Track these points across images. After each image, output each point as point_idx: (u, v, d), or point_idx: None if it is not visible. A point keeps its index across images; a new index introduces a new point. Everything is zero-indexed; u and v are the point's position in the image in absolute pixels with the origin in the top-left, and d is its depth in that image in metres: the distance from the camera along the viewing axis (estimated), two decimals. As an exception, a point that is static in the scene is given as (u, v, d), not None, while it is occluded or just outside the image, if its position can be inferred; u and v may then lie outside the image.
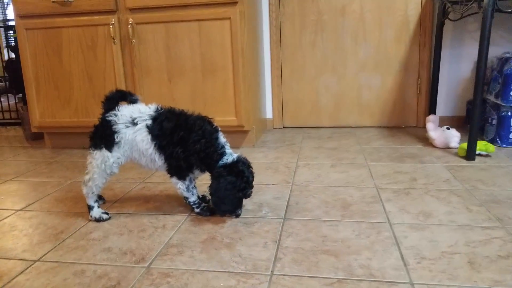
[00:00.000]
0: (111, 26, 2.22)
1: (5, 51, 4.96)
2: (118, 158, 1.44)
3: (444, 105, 2.70)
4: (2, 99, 4.09)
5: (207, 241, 1.31)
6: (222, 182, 1.36)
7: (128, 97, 1.49)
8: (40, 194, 1.79)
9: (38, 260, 1.24)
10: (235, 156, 1.42)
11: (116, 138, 1.41)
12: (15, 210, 1.63)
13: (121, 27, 2.25)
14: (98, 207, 1.51)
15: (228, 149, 1.43)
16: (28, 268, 1.19)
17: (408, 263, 1.13)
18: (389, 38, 2.68)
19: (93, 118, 2.39)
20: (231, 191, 1.37)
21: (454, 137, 2.19)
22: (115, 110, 1.43)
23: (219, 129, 1.45)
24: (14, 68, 2.91)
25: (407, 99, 2.75)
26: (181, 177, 1.45)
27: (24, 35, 2.36)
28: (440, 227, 1.32)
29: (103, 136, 1.42)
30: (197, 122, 1.41)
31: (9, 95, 3.98)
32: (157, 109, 1.44)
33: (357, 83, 2.77)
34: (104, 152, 1.42)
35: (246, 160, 1.44)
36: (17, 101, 3.45)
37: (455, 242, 1.22)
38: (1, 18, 6.31)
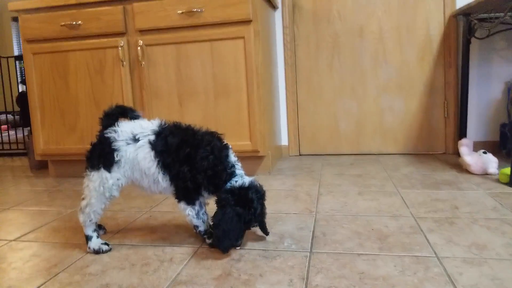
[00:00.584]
0: (120, 48, 2.12)
1: (19, 87, 4.98)
2: (118, 180, 1.28)
3: (474, 129, 2.51)
4: (11, 132, 4.02)
5: (222, 277, 1.11)
6: (229, 212, 1.17)
7: (129, 113, 1.34)
8: (37, 223, 1.62)
9: (23, 299, 1.05)
10: (246, 180, 1.23)
11: (115, 157, 1.25)
12: (8, 240, 1.45)
13: (130, 49, 2.15)
14: (98, 237, 1.33)
15: (239, 170, 1.26)
16: (9, 310, 1.01)
17: (471, 305, 0.91)
18: (411, 59, 2.53)
19: (99, 145, 2.25)
20: (237, 224, 1.18)
21: (492, 162, 1.99)
22: (115, 126, 1.28)
23: (230, 146, 1.28)
24: (24, 101, 2.82)
25: (433, 123, 2.57)
26: (190, 202, 1.27)
27: (30, 60, 2.27)
28: (501, 262, 1.10)
29: (101, 155, 1.27)
30: (205, 137, 1.25)
31: (21, 128, 3.89)
32: (161, 124, 1.29)
33: (379, 106, 2.61)
34: (103, 172, 1.26)
35: (261, 187, 1.25)
36: (26, 133, 3.36)
37: (523, 280, 1.01)
38: (17, 54, 6.40)
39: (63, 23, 2.16)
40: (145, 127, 1.27)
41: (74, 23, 2.15)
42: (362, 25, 2.56)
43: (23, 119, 3.28)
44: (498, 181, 1.87)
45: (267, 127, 2.20)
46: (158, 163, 1.24)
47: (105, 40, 2.15)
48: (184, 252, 1.28)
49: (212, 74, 2.07)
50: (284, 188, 1.95)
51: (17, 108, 3.91)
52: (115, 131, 1.26)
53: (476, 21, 2.18)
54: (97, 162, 1.26)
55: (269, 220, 1.48)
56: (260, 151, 2.10)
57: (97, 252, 1.29)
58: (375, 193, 1.80)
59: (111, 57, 2.16)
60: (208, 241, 1.30)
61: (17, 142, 3.45)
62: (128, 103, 2.17)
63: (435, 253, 1.18)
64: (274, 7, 2.53)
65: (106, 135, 1.27)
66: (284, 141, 2.74)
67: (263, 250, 1.26)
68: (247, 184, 1.21)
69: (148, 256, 1.26)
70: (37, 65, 2.27)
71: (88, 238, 1.31)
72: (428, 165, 2.28)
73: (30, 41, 2.27)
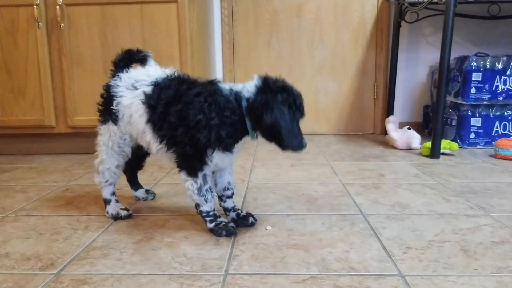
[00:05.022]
0: (35, 7, 1.91)
1: None
2: (123, 134, 1.12)
3: (401, 110, 2.62)
4: None
5: (143, 241, 1.02)
6: (276, 108, 0.98)
7: (136, 55, 1.18)
8: None
9: None
10: (254, 79, 1.01)
11: (114, 105, 1.10)
12: None
13: (48, 9, 1.94)
14: (117, 201, 1.20)
15: (238, 85, 1.02)
16: None
17: (393, 254, 0.92)
18: (346, 41, 2.58)
19: (11, 117, 2.02)
20: (290, 115, 1.04)
21: (415, 138, 2.08)
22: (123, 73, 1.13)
23: (218, 79, 1.04)
24: None
25: (364, 105, 2.64)
26: (192, 172, 1.02)
27: None
28: (421, 217, 1.14)
29: (105, 104, 1.13)
30: (194, 90, 1.00)
31: None
32: (171, 74, 1.08)
33: (314, 87, 2.64)
34: (110, 125, 1.12)
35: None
36: None
37: (442, 231, 1.04)
38: None
39: (-32, -24, 1.91)
40: (150, 75, 1.08)
41: (-20, -25, 1.91)
42: (300, 3, 2.55)
43: None
44: (420, 154, 1.96)
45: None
46: (147, 120, 1.04)
47: (18, -3, 1.93)
48: (102, 220, 1.17)
49: (142, 40, 1.94)
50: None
51: None
52: (119, 78, 1.12)
53: (407, 5, 2.26)
54: (104, 114, 1.13)
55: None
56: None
57: (115, 217, 1.17)
58: (307, 165, 1.80)
59: (25, 17, 1.94)
60: (209, 225, 1.05)
61: None
62: (45, 70, 1.97)
63: (361, 211, 1.19)
64: (210, -22, 2.44)
65: (109, 83, 1.14)
66: (219, 120, 2.67)
67: (190, 215, 1.19)
68: (260, 79, 1.00)
69: (60, 225, 1.14)
70: None
71: (106, 202, 1.19)
72: (357, 143, 2.34)
73: None
